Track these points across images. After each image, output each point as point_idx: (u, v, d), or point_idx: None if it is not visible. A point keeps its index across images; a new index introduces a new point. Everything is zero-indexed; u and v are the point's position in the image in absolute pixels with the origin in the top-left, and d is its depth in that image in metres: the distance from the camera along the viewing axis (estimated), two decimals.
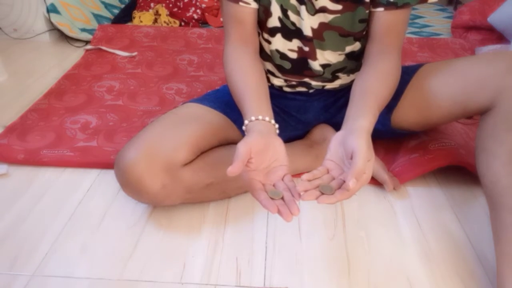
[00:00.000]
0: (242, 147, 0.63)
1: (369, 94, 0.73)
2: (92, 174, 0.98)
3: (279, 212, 0.59)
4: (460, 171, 0.96)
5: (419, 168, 0.93)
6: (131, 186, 0.75)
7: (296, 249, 0.79)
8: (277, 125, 0.73)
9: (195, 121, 0.83)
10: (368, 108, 0.70)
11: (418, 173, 0.93)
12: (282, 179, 0.65)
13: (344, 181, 0.61)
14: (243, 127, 0.72)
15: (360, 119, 0.67)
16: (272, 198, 0.61)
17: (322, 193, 0.60)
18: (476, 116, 0.91)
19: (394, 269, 0.75)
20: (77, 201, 0.89)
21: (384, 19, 0.79)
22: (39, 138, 1.08)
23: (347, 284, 0.72)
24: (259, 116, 0.71)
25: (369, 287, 0.71)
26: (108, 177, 0.96)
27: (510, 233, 0.65)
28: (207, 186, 0.82)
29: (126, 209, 0.87)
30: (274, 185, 0.65)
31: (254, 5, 0.83)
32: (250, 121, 0.71)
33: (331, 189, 0.61)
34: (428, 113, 0.88)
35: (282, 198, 0.62)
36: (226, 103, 0.92)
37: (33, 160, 1.00)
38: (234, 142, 0.89)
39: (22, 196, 0.91)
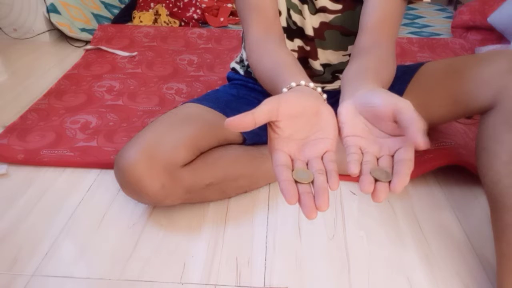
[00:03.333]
0: (267, 102, 0.47)
1: (368, 70, 0.60)
2: (92, 174, 0.98)
3: (299, 203, 0.42)
4: (460, 171, 0.96)
5: (419, 168, 0.93)
6: (130, 186, 0.75)
7: (296, 249, 0.79)
8: (325, 95, 0.55)
9: (195, 121, 0.83)
10: (373, 80, 0.56)
11: (418, 173, 0.93)
12: (321, 158, 0.48)
13: (392, 156, 0.46)
14: None
15: (369, 85, 0.53)
16: (297, 182, 0.44)
17: (377, 180, 0.43)
18: (476, 116, 0.91)
19: (394, 269, 0.75)
20: (77, 201, 0.89)
21: (377, 8, 0.73)
22: (39, 138, 1.08)
23: (347, 284, 0.72)
24: (301, 82, 0.54)
25: (369, 287, 0.71)
26: (108, 177, 0.96)
27: (511, 233, 0.65)
28: (207, 186, 0.82)
29: (126, 209, 0.87)
30: (307, 163, 0.48)
31: None
32: (290, 87, 0.54)
33: (387, 174, 0.44)
34: (429, 113, 0.88)
35: (312, 183, 0.45)
36: (226, 103, 0.92)
37: (33, 160, 1.00)
38: (234, 143, 0.89)
39: (22, 196, 0.91)
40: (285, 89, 0.54)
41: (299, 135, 0.49)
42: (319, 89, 0.55)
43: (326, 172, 0.46)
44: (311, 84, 0.54)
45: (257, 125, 0.45)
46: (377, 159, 0.46)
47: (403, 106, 0.44)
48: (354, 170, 0.45)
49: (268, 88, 0.68)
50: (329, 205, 0.43)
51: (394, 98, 0.46)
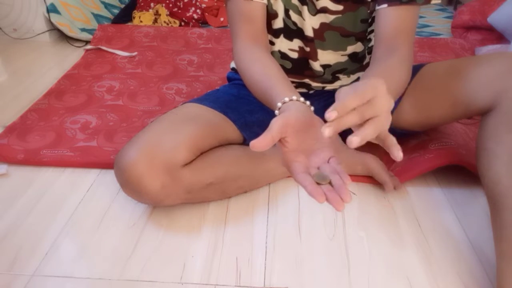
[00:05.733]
0: (276, 121, 0.54)
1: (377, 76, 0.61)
2: (92, 174, 0.98)
3: (328, 199, 0.51)
4: (460, 171, 0.96)
5: (419, 168, 0.93)
6: (131, 186, 0.75)
7: (296, 249, 0.79)
8: (312, 108, 0.63)
9: (195, 121, 0.83)
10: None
11: (418, 172, 0.93)
12: (328, 162, 0.57)
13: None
14: (276, 111, 0.63)
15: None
16: (318, 184, 0.52)
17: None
18: (476, 116, 0.91)
19: (394, 269, 0.75)
20: (77, 201, 0.89)
21: (390, 17, 0.74)
22: (39, 138, 1.08)
23: (347, 284, 0.72)
24: (293, 97, 0.62)
25: (369, 287, 0.71)
26: (108, 177, 0.96)
27: (511, 233, 0.65)
28: (207, 186, 0.82)
29: (126, 209, 0.87)
30: (318, 168, 0.56)
31: (265, 0, 0.80)
32: (284, 102, 0.62)
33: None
34: (429, 114, 0.88)
35: (330, 183, 0.53)
36: (226, 103, 0.92)
37: (33, 160, 1.00)
38: (234, 143, 0.89)
39: (22, 196, 0.91)
40: (279, 104, 0.62)
41: (303, 146, 0.57)
42: (308, 102, 0.63)
43: (338, 172, 0.54)
44: (301, 99, 0.62)
45: (274, 142, 0.54)
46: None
47: (366, 82, 0.49)
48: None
49: (258, 97, 0.73)
50: (352, 197, 0.51)
51: (373, 79, 0.50)
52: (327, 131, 0.47)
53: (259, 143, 0.52)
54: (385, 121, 0.50)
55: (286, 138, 0.56)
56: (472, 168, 0.90)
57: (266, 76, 0.70)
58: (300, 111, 0.59)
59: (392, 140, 0.51)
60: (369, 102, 0.48)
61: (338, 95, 0.49)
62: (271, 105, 0.66)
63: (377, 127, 0.49)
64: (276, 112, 0.63)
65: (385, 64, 0.70)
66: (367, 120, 0.49)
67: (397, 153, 0.50)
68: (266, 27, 0.82)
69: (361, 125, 0.49)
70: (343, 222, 0.85)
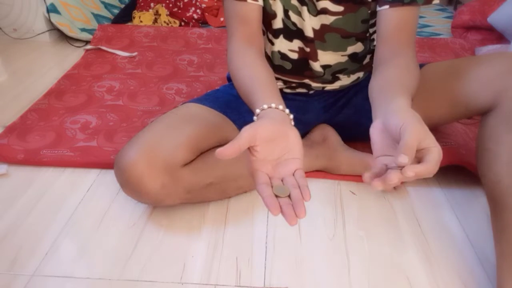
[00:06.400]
0: (246, 130, 0.55)
1: (393, 83, 0.65)
2: (92, 174, 0.98)
3: (282, 213, 0.51)
4: (460, 171, 0.96)
5: None
6: (131, 186, 0.75)
7: (296, 249, 0.79)
8: (292, 116, 0.64)
9: (195, 121, 0.83)
10: (398, 92, 0.61)
11: None
12: (293, 174, 0.57)
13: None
14: (254, 117, 0.64)
15: (395, 100, 0.58)
16: (277, 196, 0.53)
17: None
18: (476, 116, 0.91)
19: (394, 269, 0.75)
20: (77, 201, 0.89)
21: (392, 18, 0.75)
22: (39, 138, 1.08)
23: (347, 284, 0.72)
24: (272, 104, 0.63)
25: (369, 287, 0.71)
26: (108, 177, 0.96)
27: (511, 233, 0.65)
28: (207, 186, 0.82)
29: (126, 209, 0.87)
30: (282, 180, 0.57)
31: (261, 2, 0.80)
32: (262, 109, 0.63)
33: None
34: (429, 114, 0.87)
35: (289, 196, 0.54)
36: (226, 103, 0.92)
37: (33, 160, 1.00)
38: None
39: (22, 196, 0.91)
40: (258, 110, 0.63)
41: (272, 156, 0.58)
42: (287, 110, 0.64)
43: (299, 186, 0.54)
44: (280, 106, 0.63)
45: (242, 151, 0.54)
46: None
47: (407, 127, 0.51)
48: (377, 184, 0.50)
49: (244, 100, 0.74)
50: (306, 213, 0.51)
51: (405, 117, 0.53)
52: (397, 178, 0.48)
53: (225, 151, 0.52)
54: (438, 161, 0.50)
55: (255, 147, 0.56)
56: (472, 168, 0.90)
57: (252, 80, 0.71)
58: (274, 119, 0.59)
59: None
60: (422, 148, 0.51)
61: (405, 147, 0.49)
62: (252, 110, 0.67)
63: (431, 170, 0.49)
64: (254, 118, 0.63)
65: (396, 64, 0.70)
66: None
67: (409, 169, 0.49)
68: (261, 29, 0.82)
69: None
70: (343, 222, 0.85)
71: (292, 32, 0.85)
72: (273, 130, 0.57)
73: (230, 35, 0.81)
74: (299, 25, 0.84)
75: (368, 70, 0.97)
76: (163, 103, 1.28)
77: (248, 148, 0.57)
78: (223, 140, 0.87)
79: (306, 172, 0.63)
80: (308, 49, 0.86)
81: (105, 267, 0.74)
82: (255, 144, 0.56)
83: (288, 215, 0.50)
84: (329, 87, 0.95)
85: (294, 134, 0.59)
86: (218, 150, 0.52)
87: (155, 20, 1.98)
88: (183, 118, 0.84)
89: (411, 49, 0.75)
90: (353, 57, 0.89)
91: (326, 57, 0.88)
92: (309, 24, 0.82)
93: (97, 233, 0.81)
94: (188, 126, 0.81)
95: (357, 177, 0.95)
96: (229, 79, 1.06)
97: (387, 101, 0.59)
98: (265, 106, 0.63)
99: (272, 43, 0.88)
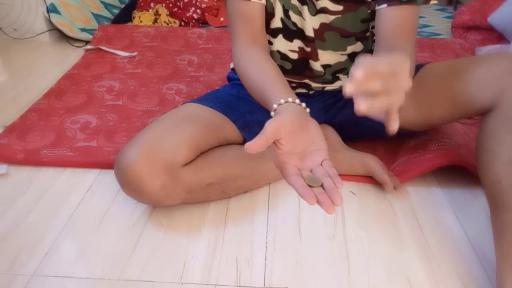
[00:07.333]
0: (270, 124, 0.55)
1: None
2: (92, 174, 0.98)
3: (318, 202, 0.51)
4: (460, 171, 0.96)
5: (419, 168, 0.93)
6: (131, 186, 0.75)
7: (296, 249, 0.79)
8: (308, 110, 0.64)
9: (195, 121, 0.83)
10: None
11: (418, 172, 0.93)
12: (321, 165, 0.57)
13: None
14: (272, 113, 0.64)
15: None
16: (309, 186, 0.53)
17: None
18: (476, 116, 0.91)
19: (394, 269, 0.75)
20: (77, 201, 0.89)
21: (390, 17, 0.75)
22: (39, 138, 1.08)
23: (347, 284, 0.72)
24: (289, 99, 0.63)
25: (369, 287, 0.71)
26: (108, 177, 0.96)
27: (511, 233, 0.65)
28: (207, 186, 0.82)
29: (126, 209, 0.87)
30: (311, 171, 0.57)
31: (264, 1, 0.80)
32: (280, 104, 0.63)
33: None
34: (429, 114, 0.88)
35: (322, 186, 0.53)
36: (226, 103, 0.92)
37: (33, 160, 1.00)
38: (234, 143, 0.89)
39: (22, 196, 0.91)
40: (275, 105, 0.63)
41: (297, 149, 0.58)
42: (304, 104, 0.64)
43: (329, 176, 0.54)
44: (297, 101, 0.63)
45: (269, 144, 0.55)
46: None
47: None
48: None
49: (255, 98, 0.74)
50: (342, 200, 0.51)
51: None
52: (348, 87, 0.43)
53: (253, 145, 0.53)
54: (400, 100, 0.47)
55: (280, 140, 0.57)
56: (472, 168, 0.90)
57: (263, 77, 0.71)
58: (295, 113, 0.60)
59: (396, 117, 0.50)
60: (394, 75, 0.46)
61: (362, 59, 0.45)
62: (267, 107, 0.67)
63: (391, 103, 0.47)
64: (272, 113, 0.64)
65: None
66: (382, 92, 0.45)
67: (393, 127, 0.50)
68: (264, 28, 0.82)
69: (372, 95, 0.45)
70: (343, 222, 0.85)
71: (292, 32, 0.85)
72: (295, 124, 0.58)
73: (234, 35, 0.81)
74: (299, 25, 0.84)
75: None
76: (163, 103, 1.28)
77: (274, 142, 0.57)
78: (223, 140, 0.87)
79: None
80: (308, 49, 0.86)
81: (105, 267, 0.74)
82: (280, 137, 0.56)
83: (326, 204, 0.50)
84: (329, 87, 0.95)
85: (315, 126, 0.60)
86: (247, 144, 0.53)
87: (155, 20, 1.98)
88: (183, 118, 0.84)
89: (410, 48, 0.74)
90: (353, 56, 0.89)
91: (326, 57, 0.88)
92: (310, 23, 0.82)
93: (97, 233, 0.81)
94: (188, 126, 0.81)
95: (357, 177, 0.95)
96: (229, 79, 1.06)
97: None
98: (282, 101, 0.63)
99: (271, 43, 0.88)
